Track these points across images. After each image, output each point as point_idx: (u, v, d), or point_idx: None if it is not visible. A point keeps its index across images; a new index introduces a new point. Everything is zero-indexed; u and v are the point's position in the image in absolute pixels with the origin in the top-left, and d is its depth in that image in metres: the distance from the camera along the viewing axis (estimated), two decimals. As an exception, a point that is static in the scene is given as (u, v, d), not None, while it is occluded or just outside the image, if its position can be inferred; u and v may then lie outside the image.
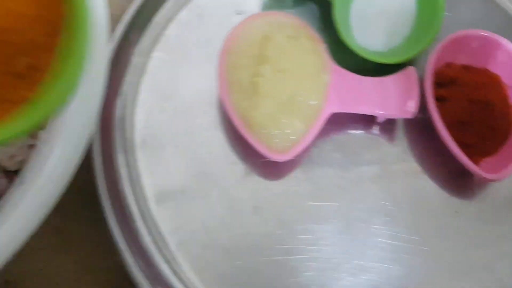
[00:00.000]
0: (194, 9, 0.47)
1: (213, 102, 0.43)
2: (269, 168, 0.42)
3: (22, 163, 0.35)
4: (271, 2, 0.49)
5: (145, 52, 0.45)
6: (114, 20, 0.43)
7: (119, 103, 0.42)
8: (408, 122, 0.44)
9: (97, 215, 0.38)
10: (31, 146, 0.35)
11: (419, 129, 0.44)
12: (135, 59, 0.44)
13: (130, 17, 0.44)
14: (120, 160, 0.40)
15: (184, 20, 0.47)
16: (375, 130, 0.44)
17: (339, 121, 0.44)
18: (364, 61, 0.44)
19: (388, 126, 0.44)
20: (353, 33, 0.46)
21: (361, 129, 0.44)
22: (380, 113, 0.42)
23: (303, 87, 0.40)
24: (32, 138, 0.34)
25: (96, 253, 0.41)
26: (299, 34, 0.42)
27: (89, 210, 0.40)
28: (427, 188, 0.43)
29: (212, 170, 0.41)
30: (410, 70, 0.42)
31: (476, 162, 0.42)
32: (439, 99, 0.43)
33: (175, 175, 0.41)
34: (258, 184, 0.41)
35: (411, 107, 0.41)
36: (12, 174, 0.34)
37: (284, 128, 0.39)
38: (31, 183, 0.30)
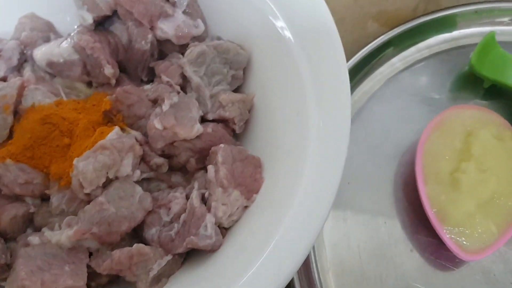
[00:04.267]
0: (389, 87, 0.48)
1: (401, 184, 0.44)
2: (448, 262, 0.41)
3: (235, 222, 0.37)
4: (463, 90, 0.49)
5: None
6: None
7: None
8: None
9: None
10: (246, 208, 0.36)
11: None
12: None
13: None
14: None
15: (379, 97, 0.48)
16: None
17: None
18: None
19: None
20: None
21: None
22: None
23: (505, 190, 0.40)
24: (248, 200, 0.36)
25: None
26: (504, 134, 0.42)
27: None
28: None
29: (392, 254, 0.41)
30: None
31: None
32: None
33: (356, 251, 0.41)
34: (435, 275, 0.41)
35: None
36: (224, 231, 0.36)
37: (478, 229, 0.39)
38: (258, 254, 0.31)
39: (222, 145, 0.36)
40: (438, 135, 0.42)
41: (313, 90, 0.36)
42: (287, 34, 0.38)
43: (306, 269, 0.40)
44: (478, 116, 0.43)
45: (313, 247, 0.41)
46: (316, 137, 0.34)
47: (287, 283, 0.30)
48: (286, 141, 0.37)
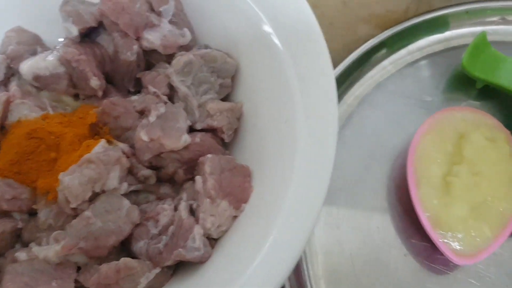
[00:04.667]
0: (381, 90, 0.48)
1: (393, 188, 0.43)
2: (442, 267, 0.41)
3: (224, 232, 0.36)
4: (456, 92, 0.48)
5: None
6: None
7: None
8: None
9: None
10: (235, 217, 0.36)
11: None
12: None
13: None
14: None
15: (371, 100, 0.47)
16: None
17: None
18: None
19: None
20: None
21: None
22: None
23: (497, 193, 0.39)
24: (237, 210, 0.36)
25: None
26: (497, 136, 0.41)
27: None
28: None
29: (385, 259, 0.41)
30: None
31: None
32: None
33: (348, 258, 0.41)
34: (429, 280, 0.41)
35: None
36: (213, 241, 0.36)
37: (472, 233, 0.39)
38: (248, 263, 0.31)
39: (209, 155, 0.36)
40: (430, 138, 0.42)
41: (300, 98, 0.36)
42: (275, 41, 0.38)
43: (298, 278, 0.39)
44: (470, 118, 0.43)
45: (305, 255, 0.41)
46: (304, 145, 0.34)
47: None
48: (274, 149, 0.37)
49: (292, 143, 0.35)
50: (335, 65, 0.48)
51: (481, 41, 0.47)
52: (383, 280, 0.40)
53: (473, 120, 0.42)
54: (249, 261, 0.31)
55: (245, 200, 0.36)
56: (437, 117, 0.43)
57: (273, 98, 0.38)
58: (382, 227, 0.42)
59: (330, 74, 0.35)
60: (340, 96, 0.47)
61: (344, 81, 0.47)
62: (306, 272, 0.40)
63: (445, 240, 0.39)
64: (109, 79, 0.42)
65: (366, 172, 0.44)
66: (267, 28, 0.38)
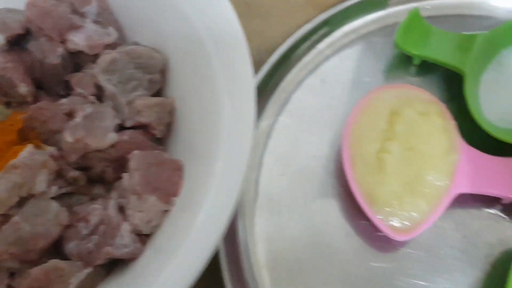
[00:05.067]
0: (318, 75, 0.48)
1: (333, 171, 0.43)
2: (385, 244, 0.41)
3: (156, 227, 0.36)
4: (395, 70, 0.48)
5: (270, 117, 0.46)
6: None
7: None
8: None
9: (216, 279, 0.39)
10: (166, 212, 0.36)
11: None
12: (262, 123, 0.45)
13: (258, 83, 0.45)
14: (240, 225, 0.41)
15: (308, 85, 0.47)
16: (499, 210, 0.42)
17: (462, 200, 0.42)
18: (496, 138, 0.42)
19: (514, 207, 0.42)
20: (482, 107, 0.44)
21: (483, 208, 0.42)
22: (510, 197, 0.40)
23: (431, 166, 0.39)
24: (167, 204, 0.36)
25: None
26: (429, 110, 0.41)
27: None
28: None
29: (327, 241, 0.41)
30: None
31: None
32: None
33: (290, 243, 0.41)
34: (374, 257, 0.41)
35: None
36: (144, 237, 0.36)
37: (408, 208, 0.39)
38: (173, 253, 0.31)
39: (136, 151, 0.36)
40: (364, 118, 0.42)
41: (226, 93, 0.37)
42: (203, 38, 0.38)
43: (237, 268, 0.39)
44: (404, 94, 0.43)
45: (246, 245, 0.41)
46: (226, 137, 0.35)
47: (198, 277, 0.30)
48: (202, 142, 0.37)
49: (216, 137, 0.35)
50: (273, 52, 0.48)
51: (414, 17, 0.47)
52: (325, 262, 0.40)
53: (407, 96, 0.42)
54: (174, 253, 0.31)
55: (175, 193, 0.36)
56: (371, 96, 0.43)
57: (201, 92, 0.38)
58: (324, 209, 0.42)
59: (250, 75, 0.36)
60: (277, 82, 0.47)
61: (280, 67, 0.47)
62: (245, 262, 0.40)
63: (382, 217, 0.39)
64: (40, 84, 0.42)
65: (306, 156, 0.44)
66: (196, 25, 0.39)
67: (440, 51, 0.46)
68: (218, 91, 0.37)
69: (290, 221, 0.42)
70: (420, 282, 0.40)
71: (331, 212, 0.42)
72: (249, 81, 0.36)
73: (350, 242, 0.41)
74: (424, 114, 0.41)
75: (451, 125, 0.41)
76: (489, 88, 0.45)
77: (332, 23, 0.50)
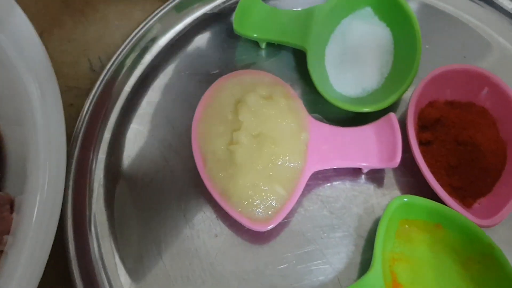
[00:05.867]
0: (165, 73, 0.46)
1: (192, 171, 0.41)
2: (254, 237, 0.40)
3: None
4: (244, 57, 0.47)
5: (117, 125, 0.43)
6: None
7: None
8: (397, 169, 0.42)
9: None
10: (2, 252, 0.33)
11: (408, 175, 0.41)
12: (106, 135, 0.43)
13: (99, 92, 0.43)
14: (92, 247, 0.38)
15: (156, 86, 0.45)
16: (362, 180, 0.42)
17: (324, 176, 0.42)
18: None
19: (376, 175, 0.42)
20: (331, 80, 0.44)
21: (347, 181, 0.42)
22: (363, 165, 0.40)
23: (282, 149, 0.38)
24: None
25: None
26: (273, 92, 0.40)
27: None
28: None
29: (193, 246, 0.39)
30: (391, 117, 0.40)
31: (469, 204, 0.39)
32: (424, 143, 0.41)
33: (156, 256, 0.39)
34: (245, 253, 0.39)
35: (394, 157, 0.38)
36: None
37: (266, 196, 0.37)
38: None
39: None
40: (209, 111, 0.40)
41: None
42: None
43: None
44: (246, 80, 0.41)
45: (105, 267, 0.38)
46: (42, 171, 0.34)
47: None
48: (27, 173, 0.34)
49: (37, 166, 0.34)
50: (112, 55, 0.45)
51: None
52: (195, 268, 0.38)
53: (250, 81, 0.41)
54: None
55: (6, 231, 0.32)
56: (214, 88, 0.41)
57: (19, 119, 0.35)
58: (188, 214, 0.40)
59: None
60: (120, 88, 0.45)
61: (123, 68, 0.45)
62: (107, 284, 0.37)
63: (241, 210, 0.37)
64: None
65: (165, 162, 0.42)
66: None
67: (280, 31, 0.45)
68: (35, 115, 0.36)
69: (155, 233, 0.40)
70: (294, 268, 0.39)
71: (196, 215, 0.41)
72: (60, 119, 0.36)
73: (219, 243, 0.40)
74: (268, 98, 0.40)
75: (298, 104, 0.41)
76: (334, 60, 0.44)
77: (169, 18, 0.48)
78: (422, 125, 0.42)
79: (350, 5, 0.45)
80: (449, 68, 0.42)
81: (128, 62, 0.46)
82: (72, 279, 0.37)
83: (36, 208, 0.32)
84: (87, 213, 0.40)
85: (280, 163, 0.38)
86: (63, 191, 0.34)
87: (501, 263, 0.35)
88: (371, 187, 0.42)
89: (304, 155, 0.39)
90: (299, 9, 0.46)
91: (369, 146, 0.40)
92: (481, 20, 0.48)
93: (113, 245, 0.39)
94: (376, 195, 0.41)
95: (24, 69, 0.36)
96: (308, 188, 0.41)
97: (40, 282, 0.32)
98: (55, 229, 0.33)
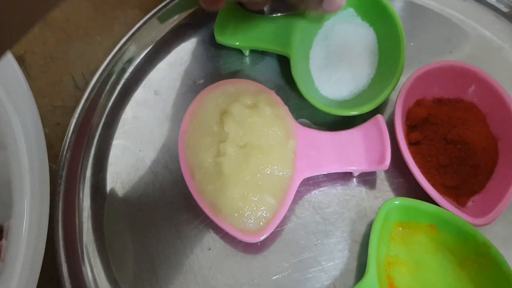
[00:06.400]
0: (149, 87, 0.45)
1: (181, 185, 0.41)
2: (248, 248, 0.39)
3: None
4: (229, 63, 0.46)
5: (103, 142, 0.43)
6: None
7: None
8: (387, 171, 0.41)
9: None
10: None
11: (400, 176, 0.41)
12: (93, 152, 0.42)
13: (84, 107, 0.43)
14: (85, 268, 0.38)
15: (141, 100, 0.45)
16: (354, 183, 0.41)
17: (314, 182, 0.41)
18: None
19: (367, 177, 0.41)
20: (316, 84, 0.43)
21: (338, 186, 0.41)
22: (353, 169, 0.39)
23: (269, 159, 0.38)
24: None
25: None
26: (258, 101, 0.39)
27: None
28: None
29: (186, 259, 0.39)
30: (378, 120, 0.40)
31: (463, 203, 0.39)
32: (414, 143, 0.41)
33: (149, 270, 0.38)
34: (239, 264, 0.39)
35: (383, 160, 0.38)
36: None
37: (256, 207, 0.37)
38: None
39: None
40: (195, 123, 0.40)
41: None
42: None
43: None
44: (230, 90, 0.41)
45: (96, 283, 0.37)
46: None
47: None
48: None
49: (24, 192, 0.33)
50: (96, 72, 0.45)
51: (229, 7, 0.45)
52: (190, 281, 0.38)
53: (234, 91, 0.41)
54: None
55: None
56: (198, 100, 0.41)
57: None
58: (180, 228, 0.40)
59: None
60: (107, 98, 0.44)
61: (107, 84, 0.44)
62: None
63: (232, 223, 0.37)
64: None
65: (154, 176, 0.42)
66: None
67: (262, 38, 0.44)
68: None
69: (149, 248, 0.39)
70: (289, 277, 0.38)
71: (188, 228, 0.40)
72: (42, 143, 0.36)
73: (212, 256, 0.39)
74: (252, 107, 0.39)
75: (283, 111, 0.40)
76: (318, 63, 0.44)
77: (148, 31, 0.47)
78: (411, 125, 0.42)
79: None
80: (435, 65, 0.41)
81: (112, 77, 0.45)
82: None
83: (23, 233, 0.32)
84: (78, 233, 0.40)
85: (268, 172, 0.37)
86: (48, 213, 0.34)
87: (497, 262, 0.35)
88: (363, 190, 0.41)
89: (293, 163, 0.38)
90: (280, 14, 0.45)
91: (358, 150, 0.39)
92: (465, 15, 0.48)
93: (105, 265, 0.38)
94: (368, 198, 0.41)
95: (4, 94, 0.36)
96: (299, 194, 0.40)
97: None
98: (43, 251, 0.33)
